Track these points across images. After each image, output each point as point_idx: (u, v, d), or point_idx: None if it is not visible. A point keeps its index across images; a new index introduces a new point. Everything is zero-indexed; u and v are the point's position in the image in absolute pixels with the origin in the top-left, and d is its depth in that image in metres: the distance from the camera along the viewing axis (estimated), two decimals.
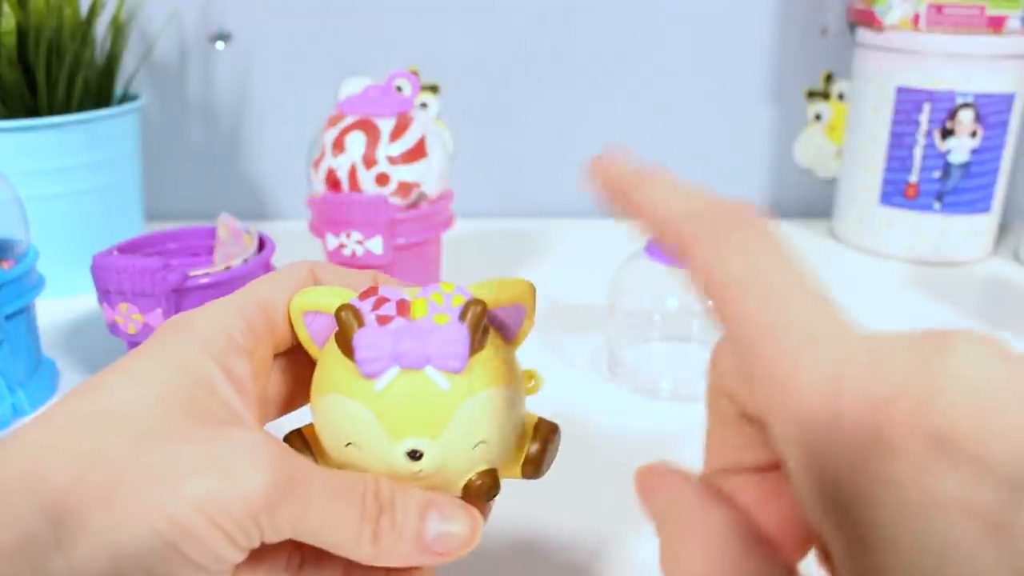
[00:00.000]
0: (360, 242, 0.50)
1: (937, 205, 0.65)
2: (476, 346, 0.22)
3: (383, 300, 0.23)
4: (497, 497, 0.24)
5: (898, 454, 0.13)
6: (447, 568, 0.25)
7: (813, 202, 0.79)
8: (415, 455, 0.22)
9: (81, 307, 0.56)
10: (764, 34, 0.74)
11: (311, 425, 0.24)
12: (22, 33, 0.54)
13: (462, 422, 0.22)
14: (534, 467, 0.25)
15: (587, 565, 0.33)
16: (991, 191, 0.65)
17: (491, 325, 0.23)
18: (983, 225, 0.66)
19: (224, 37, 0.73)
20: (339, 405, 0.22)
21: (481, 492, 0.23)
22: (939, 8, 0.62)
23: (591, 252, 0.64)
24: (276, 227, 0.64)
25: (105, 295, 0.42)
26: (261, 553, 0.24)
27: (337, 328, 0.22)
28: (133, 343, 0.43)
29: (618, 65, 0.75)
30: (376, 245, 0.50)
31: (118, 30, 0.60)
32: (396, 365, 0.21)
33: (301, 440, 0.24)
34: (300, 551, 0.24)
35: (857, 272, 0.65)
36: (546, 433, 0.25)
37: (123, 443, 0.19)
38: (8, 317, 0.41)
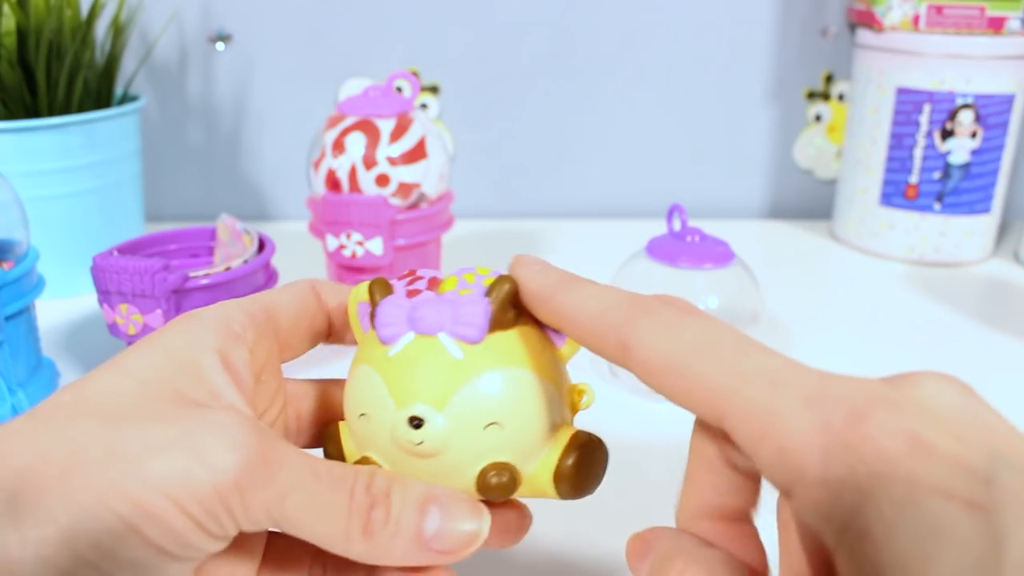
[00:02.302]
0: (360, 243, 0.50)
1: (937, 206, 0.65)
2: (500, 321, 0.21)
3: (417, 278, 0.23)
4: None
5: (884, 456, 0.15)
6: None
7: (813, 203, 0.79)
8: (416, 422, 0.21)
9: (81, 308, 0.56)
10: (764, 35, 0.74)
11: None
12: (22, 34, 0.54)
13: (472, 396, 0.21)
14: (569, 483, 0.22)
15: (585, 565, 0.33)
16: (991, 192, 0.65)
17: (537, 326, 0.23)
18: (983, 226, 0.66)
19: (224, 38, 0.73)
20: (358, 375, 0.22)
21: (496, 489, 0.21)
22: (939, 9, 0.62)
23: (591, 252, 0.64)
24: (276, 228, 0.64)
25: (105, 296, 0.42)
26: (280, 561, 0.23)
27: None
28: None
29: (618, 66, 0.75)
30: (376, 246, 0.50)
31: (118, 31, 0.60)
32: (411, 331, 0.21)
33: (335, 434, 0.24)
34: (323, 561, 0.24)
35: (857, 273, 0.65)
36: (584, 442, 0.22)
37: (91, 426, 0.18)
38: (8, 318, 0.41)
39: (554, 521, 0.35)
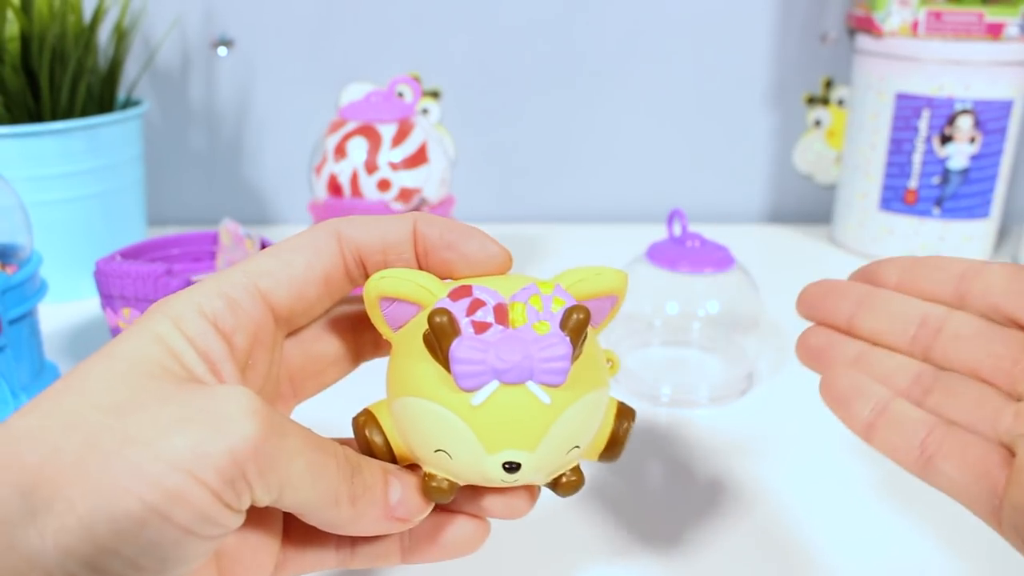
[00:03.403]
0: None
1: (936, 211, 0.65)
2: (576, 354, 0.21)
3: (478, 304, 0.21)
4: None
5: None
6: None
7: (813, 208, 0.80)
8: (512, 468, 0.21)
9: (84, 312, 0.56)
10: (764, 40, 0.74)
11: (379, 405, 0.24)
12: (26, 39, 0.55)
13: (560, 432, 0.22)
14: (614, 455, 0.24)
15: (589, 570, 0.33)
16: (990, 197, 0.65)
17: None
18: (982, 231, 0.66)
19: (226, 43, 0.73)
20: (432, 413, 0.21)
21: (570, 490, 0.23)
22: (938, 15, 0.62)
23: (592, 257, 0.64)
24: (278, 232, 0.64)
25: (108, 300, 0.42)
26: (308, 539, 0.24)
27: (428, 330, 0.21)
28: None
29: (619, 71, 0.75)
30: None
31: (121, 36, 0.61)
32: (496, 380, 0.21)
33: (375, 422, 0.23)
34: (337, 538, 0.24)
35: None
36: (629, 419, 0.24)
37: (96, 413, 0.18)
38: (11, 322, 0.41)
39: (558, 523, 0.35)
